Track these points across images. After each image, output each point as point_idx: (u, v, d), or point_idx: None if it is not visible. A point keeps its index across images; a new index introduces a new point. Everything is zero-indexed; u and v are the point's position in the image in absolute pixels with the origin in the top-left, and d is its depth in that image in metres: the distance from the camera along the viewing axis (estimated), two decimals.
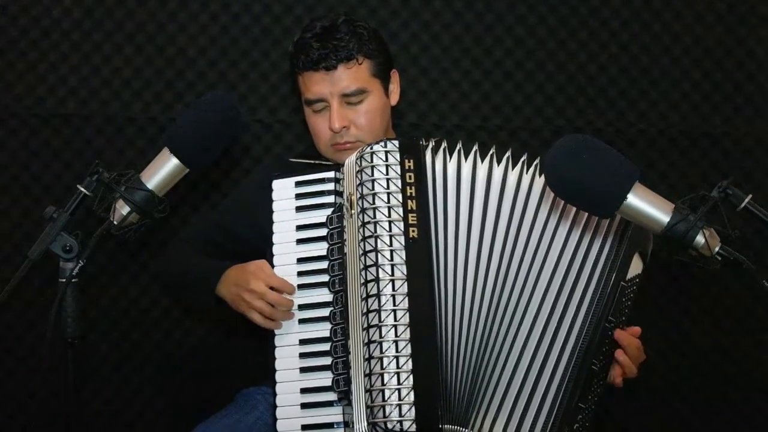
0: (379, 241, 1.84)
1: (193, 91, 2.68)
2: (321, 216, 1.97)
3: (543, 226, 1.91)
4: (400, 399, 1.76)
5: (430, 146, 1.94)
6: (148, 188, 1.73)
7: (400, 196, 1.86)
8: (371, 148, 1.90)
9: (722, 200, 1.64)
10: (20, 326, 2.69)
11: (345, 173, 1.96)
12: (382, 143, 1.90)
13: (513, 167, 1.96)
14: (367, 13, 2.70)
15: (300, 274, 1.96)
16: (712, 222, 1.62)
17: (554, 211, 1.91)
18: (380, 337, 1.79)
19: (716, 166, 2.80)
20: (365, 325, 1.81)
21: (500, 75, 2.76)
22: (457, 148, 1.95)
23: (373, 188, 1.87)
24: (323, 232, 1.96)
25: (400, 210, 1.85)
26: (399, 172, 1.88)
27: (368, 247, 1.84)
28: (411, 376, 1.76)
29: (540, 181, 1.92)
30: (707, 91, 2.79)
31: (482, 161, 1.96)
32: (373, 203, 1.86)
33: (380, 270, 1.82)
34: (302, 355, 1.93)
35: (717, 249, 1.61)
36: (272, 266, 1.97)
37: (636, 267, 1.89)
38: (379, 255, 1.83)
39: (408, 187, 1.87)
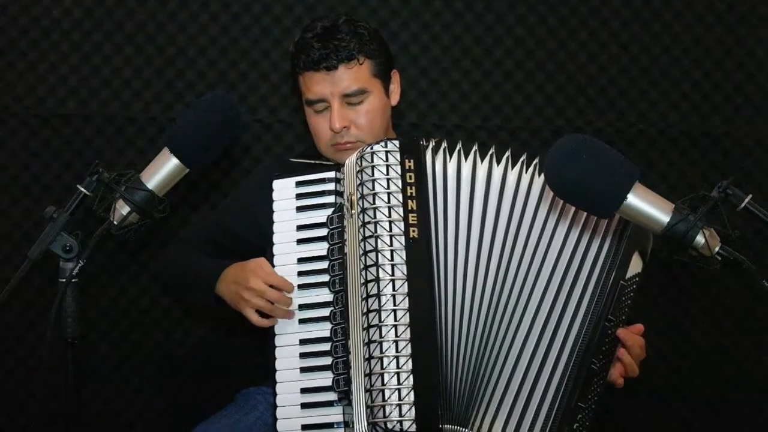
0: (379, 241, 1.84)
1: (193, 91, 2.68)
2: (321, 216, 1.97)
3: (542, 226, 1.91)
4: (400, 399, 1.76)
5: (431, 146, 1.94)
6: (148, 188, 1.73)
7: (400, 196, 1.86)
8: (371, 148, 1.90)
9: (722, 200, 1.64)
10: (20, 326, 2.69)
11: (345, 173, 1.96)
12: (383, 143, 1.91)
13: (513, 167, 1.96)
14: (368, 13, 2.70)
15: (300, 274, 1.96)
16: (712, 222, 1.62)
17: (554, 210, 1.91)
18: (380, 337, 1.79)
19: (716, 166, 2.80)
20: (365, 325, 1.81)
21: (500, 75, 2.76)
22: (457, 148, 1.95)
23: (373, 188, 1.87)
24: (323, 232, 1.96)
25: (401, 210, 1.85)
26: (399, 172, 1.88)
27: (368, 247, 1.84)
28: (411, 376, 1.76)
29: (540, 180, 1.92)
30: (707, 91, 2.79)
31: (482, 161, 1.96)
32: (374, 203, 1.86)
33: (380, 270, 1.82)
34: (302, 355, 1.93)
35: (717, 249, 1.61)
36: (273, 266, 1.97)
37: (635, 266, 1.89)
38: (380, 255, 1.83)
39: (408, 187, 1.87)
